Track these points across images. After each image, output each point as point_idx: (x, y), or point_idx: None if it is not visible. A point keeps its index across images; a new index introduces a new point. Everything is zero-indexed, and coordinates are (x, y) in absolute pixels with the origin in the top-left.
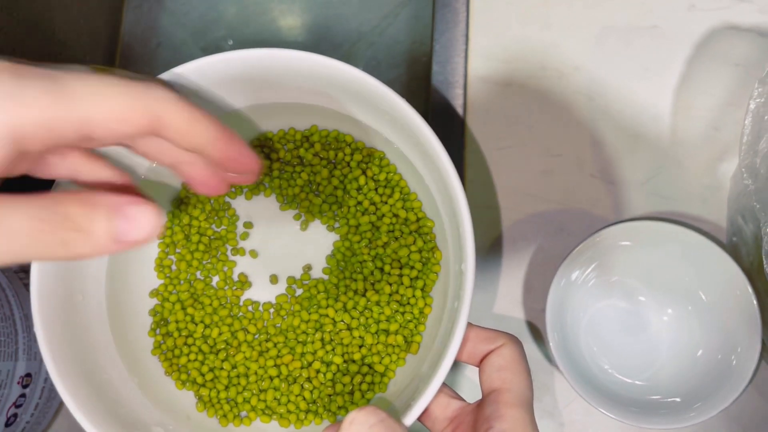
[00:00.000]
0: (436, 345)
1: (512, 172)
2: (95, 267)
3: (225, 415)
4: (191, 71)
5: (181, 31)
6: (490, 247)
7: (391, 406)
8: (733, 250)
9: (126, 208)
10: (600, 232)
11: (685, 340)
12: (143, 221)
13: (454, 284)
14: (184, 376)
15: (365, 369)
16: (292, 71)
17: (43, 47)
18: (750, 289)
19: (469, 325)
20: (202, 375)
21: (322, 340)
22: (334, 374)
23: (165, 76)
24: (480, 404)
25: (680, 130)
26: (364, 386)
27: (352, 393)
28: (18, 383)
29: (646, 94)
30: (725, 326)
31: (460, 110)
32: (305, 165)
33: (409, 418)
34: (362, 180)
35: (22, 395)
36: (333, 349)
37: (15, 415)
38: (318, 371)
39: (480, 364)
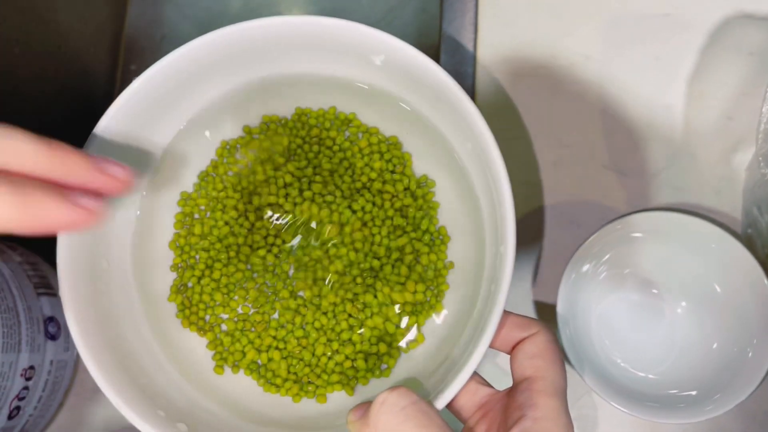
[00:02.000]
0: (468, 329)
1: (522, 163)
2: (120, 231)
3: (253, 377)
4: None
5: (186, 24)
6: None
7: (422, 387)
8: (748, 241)
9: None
10: (612, 223)
11: (700, 333)
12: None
13: (490, 266)
14: (210, 336)
15: (387, 338)
16: (326, 39)
17: (46, 40)
18: (766, 281)
19: (504, 312)
20: (231, 339)
21: (346, 313)
22: (354, 345)
23: (198, 41)
24: (511, 392)
25: (693, 120)
26: (385, 357)
27: (370, 363)
28: (21, 375)
29: (658, 83)
30: (741, 318)
31: None
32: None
33: (441, 402)
34: (375, 171)
35: (25, 388)
36: (356, 325)
37: (18, 408)
38: (344, 341)
39: (512, 351)
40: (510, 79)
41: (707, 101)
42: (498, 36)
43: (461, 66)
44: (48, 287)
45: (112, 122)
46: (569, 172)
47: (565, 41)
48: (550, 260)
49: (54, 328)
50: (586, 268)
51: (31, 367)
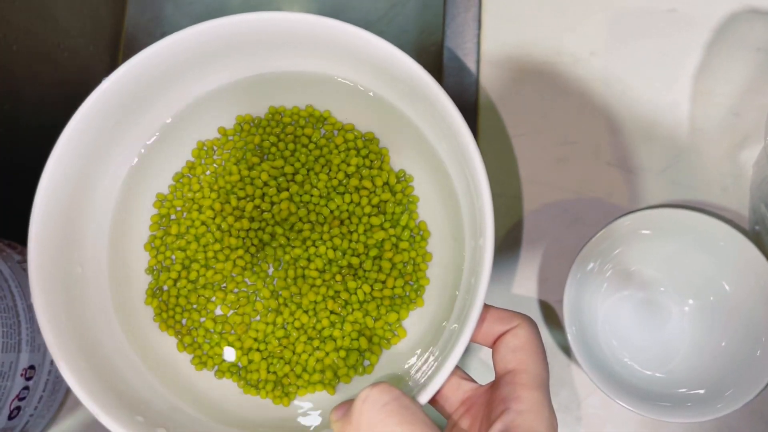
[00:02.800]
0: (450, 323)
1: (526, 160)
2: (95, 236)
3: (231, 378)
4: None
5: (186, 21)
6: (504, 238)
7: (404, 383)
8: (755, 238)
9: None
10: (617, 221)
11: (707, 331)
12: None
13: (470, 261)
14: (188, 339)
15: (367, 332)
16: (304, 36)
17: (45, 37)
18: None
19: (485, 305)
20: (206, 342)
21: (327, 311)
22: (335, 341)
23: (163, 41)
24: (493, 386)
25: (699, 116)
26: (367, 353)
27: (351, 360)
28: (21, 375)
29: (663, 79)
30: (749, 317)
31: (472, 97)
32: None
33: (424, 397)
34: (352, 166)
35: (26, 388)
36: (338, 321)
37: (18, 408)
38: (325, 339)
39: (494, 345)
40: (514, 76)
41: (713, 97)
42: (502, 32)
43: (465, 63)
44: None
45: (81, 124)
46: (574, 170)
47: (569, 37)
48: (554, 258)
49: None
50: (591, 266)
51: (32, 367)
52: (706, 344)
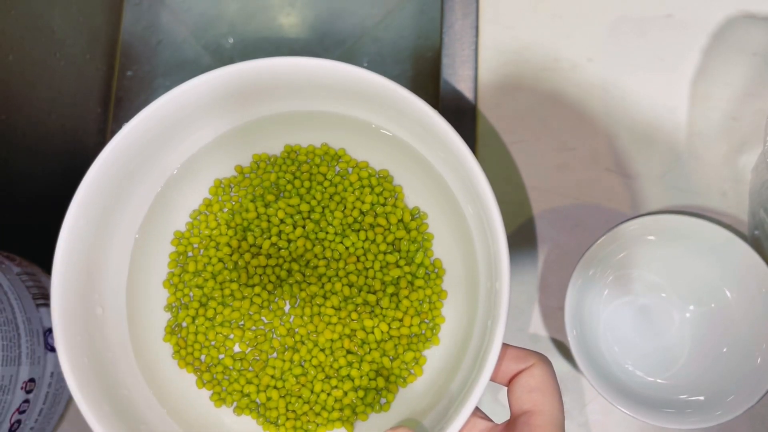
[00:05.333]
0: (466, 363)
1: (525, 166)
2: (115, 277)
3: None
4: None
5: (182, 29)
6: None
7: (421, 426)
8: (755, 243)
9: None
10: (618, 227)
11: (709, 337)
12: None
13: (485, 301)
14: (207, 376)
15: (384, 372)
16: (319, 79)
17: (42, 46)
18: None
19: (503, 345)
20: (226, 378)
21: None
22: (353, 380)
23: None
24: (509, 426)
25: (698, 121)
26: (383, 392)
27: (369, 398)
28: (21, 389)
29: (661, 85)
30: (750, 322)
31: (471, 104)
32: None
33: None
34: (366, 204)
35: (26, 401)
36: (355, 360)
37: (19, 422)
38: (343, 378)
39: (509, 383)
40: (512, 82)
41: (711, 102)
42: (499, 39)
43: (463, 69)
44: (47, 298)
45: (102, 168)
46: (573, 176)
47: (567, 44)
48: (555, 264)
49: (54, 339)
50: (592, 272)
51: (32, 380)
52: (708, 350)
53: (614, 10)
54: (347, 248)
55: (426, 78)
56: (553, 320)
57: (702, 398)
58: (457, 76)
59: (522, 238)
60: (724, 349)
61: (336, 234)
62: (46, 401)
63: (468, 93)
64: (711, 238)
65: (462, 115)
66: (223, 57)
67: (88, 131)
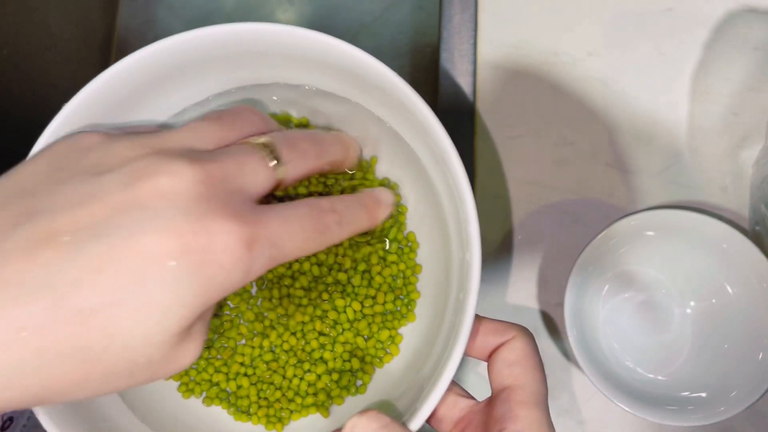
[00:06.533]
0: (440, 340)
1: (525, 161)
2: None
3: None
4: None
5: (179, 24)
6: (503, 240)
7: (394, 407)
8: (756, 238)
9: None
10: (618, 222)
11: (710, 333)
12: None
13: (458, 274)
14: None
15: (359, 353)
16: (279, 46)
17: (36, 41)
18: None
19: (477, 317)
20: (194, 368)
21: (315, 331)
22: (326, 363)
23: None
24: (490, 402)
25: (698, 116)
26: (359, 373)
27: (344, 381)
28: None
29: (662, 79)
30: (751, 319)
31: (470, 98)
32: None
33: (416, 423)
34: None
35: None
36: (328, 342)
37: (11, 419)
38: (316, 361)
39: (489, 358)
40: (512, 77)
41: (712, 97)
42: (499, 33)
43: (462, 63)
44: None
45: (62, 127)
46: (573, 171)
47: (567, 38)
48: (554, 260)
49: None
50: (592, 268)
51: None
52: (709, 347)
53: (615, 3)
54: None
55: (425, 73)
56: (552, 316)
57: (704, 395)
58: (456, 71)
59: (520, 234)
60: (726, 345)
61: None
62: None
63: (467, 87)
64: (712, 234)
65: (461, 109)
66: None
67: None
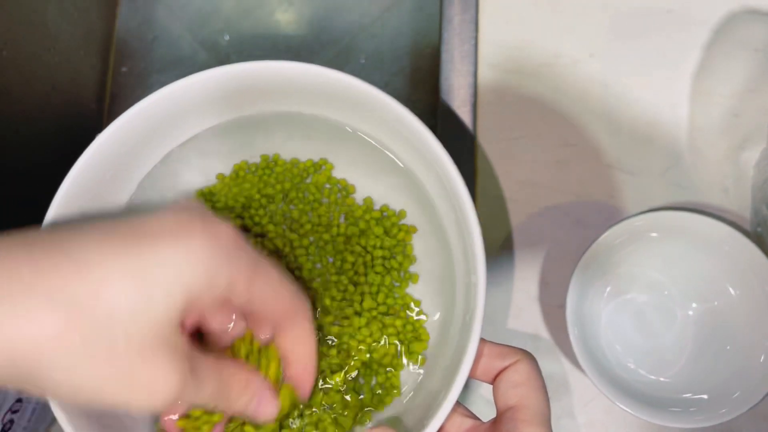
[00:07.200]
0: (446, 360)
1: (526, 162)
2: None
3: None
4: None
5: (178, 25)
6: (504, 242)
7: (402, 424)
8: (757, 240)
9: (262, 394)
10: (619, 224)
11: (712, 335)
12: (267, 409)
13: (464, 296)
14: None
15: (370, 374)
16: (284, 82)
17: (35, 42)
18: None
19: (482, 340)
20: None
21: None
22: (341, 387)
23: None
24: (495, 423)
25: (699, 117)
26: (375, 398)
27: (358, 405)
28: None
29: (663, 80)
30: (753, 320)
31: (470, 99)
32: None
33: None
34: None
35: (19, 400)
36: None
37: (11, 421)
38: (330, 384)
39: (494, 381)
40: (513, 78)
41: (713, 98)
42: (500, 34)
43: (462, 64)
44: None
45: (81, 172)
46: (574, 172)
47: (568, 39)
48: (555, 261)
49: None
50: (594, 269)
51: None
52: (711, 348)
53: (615, 5)
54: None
55: (425, 74)
56: (554, 318)
57: (706, 397)
58: (457, 72)
59: (522, 235)
60: (728, 347)
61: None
62: (39, 401)
63: (468, 89)
64: (713, 236)
65: (461, 110)
66: (219, 54)
67: (83, 128)
